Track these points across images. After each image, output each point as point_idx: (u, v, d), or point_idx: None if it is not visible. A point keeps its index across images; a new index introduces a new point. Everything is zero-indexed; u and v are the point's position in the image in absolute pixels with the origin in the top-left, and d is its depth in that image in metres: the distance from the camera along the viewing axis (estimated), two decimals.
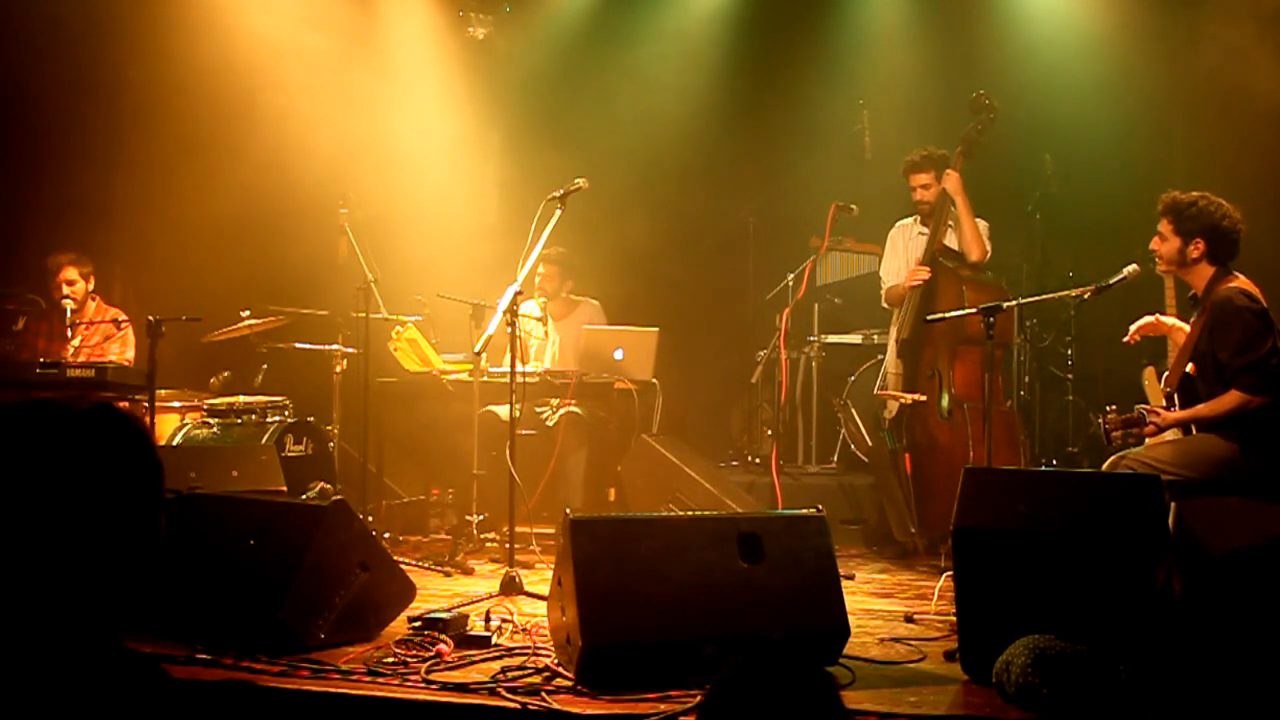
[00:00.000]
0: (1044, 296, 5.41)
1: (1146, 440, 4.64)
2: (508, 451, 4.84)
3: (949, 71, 7.29)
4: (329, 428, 6.32)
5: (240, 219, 7.07)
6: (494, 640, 3.59)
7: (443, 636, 3.54)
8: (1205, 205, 4.38)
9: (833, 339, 7.62)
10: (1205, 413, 4.26)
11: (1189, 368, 4.36)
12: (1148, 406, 4.47)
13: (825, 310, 7.70)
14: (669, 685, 3.05)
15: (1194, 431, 4.32)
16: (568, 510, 3.42)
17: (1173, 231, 4.43)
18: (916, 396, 5.70)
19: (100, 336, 6.59)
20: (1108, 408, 4.61)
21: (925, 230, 5.97)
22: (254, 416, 6.15)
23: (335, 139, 7.22)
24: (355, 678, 3.20)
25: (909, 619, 4.17)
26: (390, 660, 3.37)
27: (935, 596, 4.43)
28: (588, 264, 6.99)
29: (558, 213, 5.00)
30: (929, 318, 5.45)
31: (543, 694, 3.04)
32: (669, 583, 3.26)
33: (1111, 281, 4.68)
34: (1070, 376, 6.77)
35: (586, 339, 6.29)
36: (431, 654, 3.41)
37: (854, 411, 7.20)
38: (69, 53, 6.94)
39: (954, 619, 3.44)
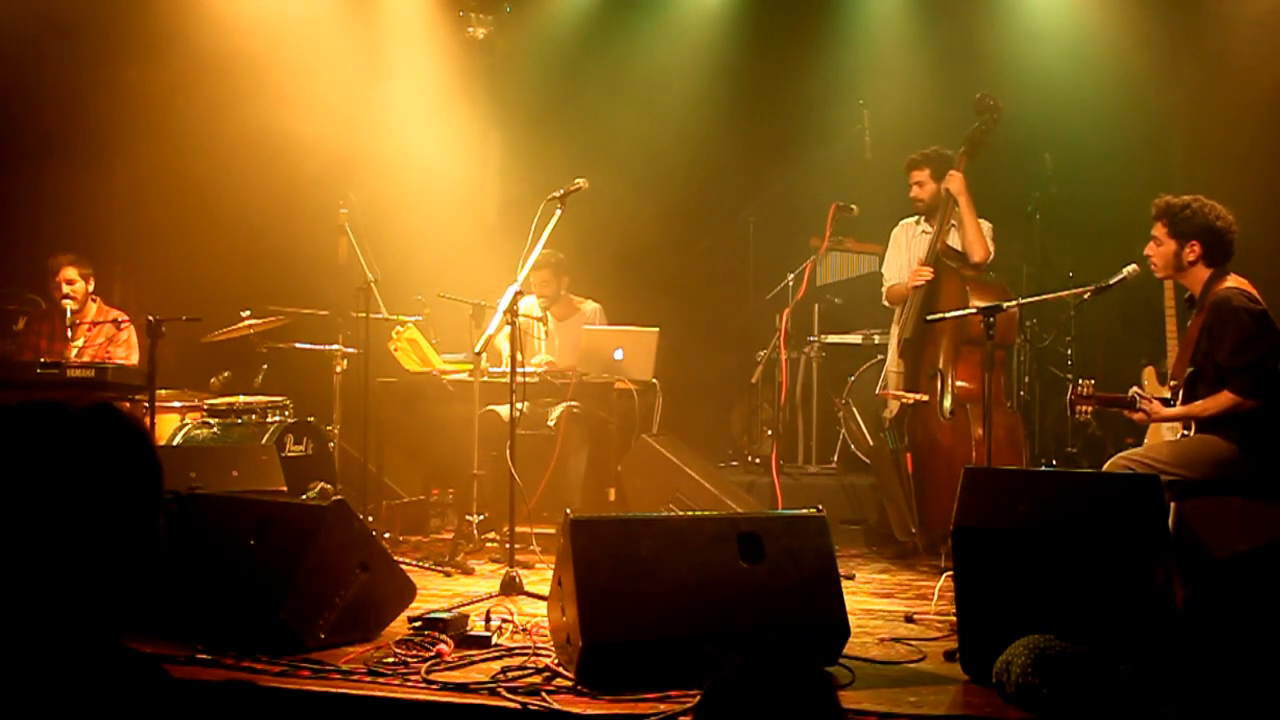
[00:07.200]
0: (1044, 296, 5.41)
1: (1146, 439, 4.65)
2: (508, 451, 4.85)
3: (949, 71, 7.29)
4: (329, 428, 6.32)
5: (240, 219, 7.09)
6: (494, 640, 3.59)
7: (443, 636, 3.54)
8: (1199, 207, 4.37)
9: (833, 339, 7.62)
10: (1198, 411, 4.26)
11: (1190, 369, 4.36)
12: (1142, 393, 4.47)
13: (825, 310, 7.70)
14: (669, 685, 3.05)
15: (1193, 430, 4.32)
16: (568, 510, 3.41)
17: (1167, 235, 4.42)
18: (918, 396, 5.70)
19: (103, 338, 6.58)
20: (1081, 379, 4.60)
21: (929, 229, 5.98)
22: (254, 416, 6.15)
23: (335, 139, 7.21)
24: (355, 678, 3.20)
25: (909, 619, 4.17)
26: (390, 660, 3.37)
27: (935, 596, 4.43)
28: (588, 264, 6.99)
29: (558, 213, 5.00)
30: (929, 318, 5.46)
31: (543, 694, 3.04)
32: (669, 583, 3.26)
33: (1111, 282, 4.68)
34: (1070, 376, 6.76)
35: (586, 339, 6.29)
36: (432, 654, 3.41)
37: (855, 411, 7.20)
38: (69, 53, 6.95)
39: (954, 619, 3.44)
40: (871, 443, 6.74)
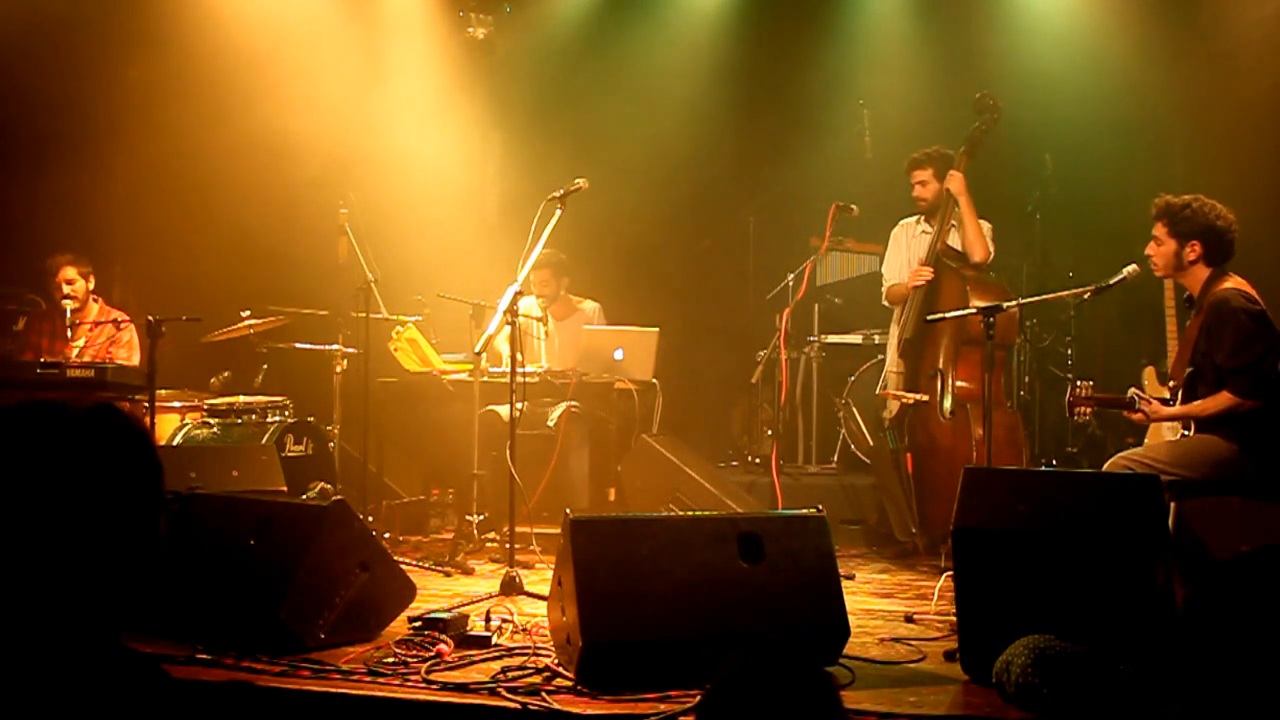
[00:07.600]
0: (1044, 296, 5.42)
1: (1146, 439, 4.65)
2: (508, 451, 4.85)
3: (949, 71, 7.29)
4: (329, 428, 6.32)
5: (240, 219, 7.08)
6: (494, 640, 3.59)
7: (443, 636, 3.54)
8: (1200, 207, 4.37)
9: (833, 339, 7.62)
10: (1197, 411, 4.26)
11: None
12: (1140, 394, 4.47)
13: (825, 310, 7.70)
14: (669, 685, 3.04)
15: (1193, 431, 4.32)
16: (568, 510, 3.41)
17: (1168, 234, 4.42)
18: (919, 396, 5.70)
19: (104, 338, 6.58)
20: (1079, 381, 4.61)
21: (928, 229, 5.99)
22: (254, 416, 6.15)
23: (335, 139, 7.22)
24: (355, 678, 3.20)
25: (909, 619, 4.17)
26: (390, 660, 3.37)
27: (935, 596, 4.43)
28: (588, 264, 6.99)
29: (558, 213, 5.00)
30: (930, 318, 5.47)
31: (543, 694, 3.04)
32: (669, 583, 3.26)
33: (1111, 282, 4.68)
34: (1070, 376, 6.76)
35: (586, 339, 6.30)
36: (432, 654, 3.41)
37: (855, 411, 7.20)
38: (68, 52, 6.94)
39: (954, 619, 3.44)
40: (871, 443, 6.74)
